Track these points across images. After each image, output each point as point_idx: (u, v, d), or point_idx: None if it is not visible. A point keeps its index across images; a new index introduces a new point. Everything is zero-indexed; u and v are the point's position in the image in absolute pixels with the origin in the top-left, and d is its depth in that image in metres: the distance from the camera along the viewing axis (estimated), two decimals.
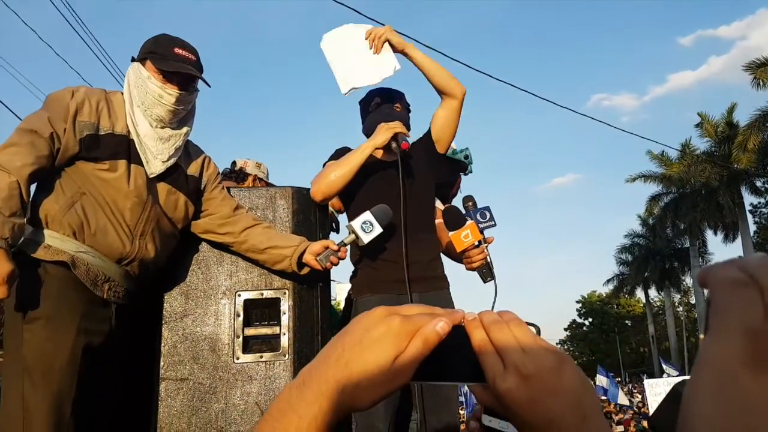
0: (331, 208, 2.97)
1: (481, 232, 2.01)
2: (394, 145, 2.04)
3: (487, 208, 2.03)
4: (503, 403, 0.46)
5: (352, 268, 2.22)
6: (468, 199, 2.08)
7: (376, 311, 0.49)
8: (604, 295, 43.58)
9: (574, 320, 51.57)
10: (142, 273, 1.84)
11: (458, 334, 0.49)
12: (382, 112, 2.24)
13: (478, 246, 2.01)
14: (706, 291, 0.37)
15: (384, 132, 2.04)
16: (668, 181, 25.17)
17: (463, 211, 2.04)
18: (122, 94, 1.85)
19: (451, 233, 2.00)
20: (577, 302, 50.54)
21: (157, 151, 1.81)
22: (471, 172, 2.92)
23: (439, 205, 2.40)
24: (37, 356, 1.57)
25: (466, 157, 2.95)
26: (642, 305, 40.28)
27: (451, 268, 2.35)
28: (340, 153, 2.22)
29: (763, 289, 0.33)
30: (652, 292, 35.25)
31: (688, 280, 31.49)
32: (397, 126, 2.05)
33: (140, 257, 1.79)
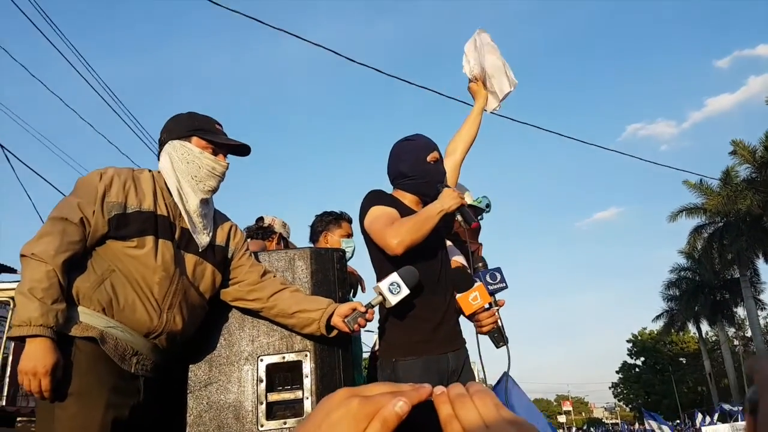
0: (350, 267, 2.99)
1: (492, 294, 1.93)
2: (459, 218, 1.97)
3: (498, 270, 1.95)
4: None
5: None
6: (478, 259, 2.04)
7: (338, 393, 0.50)
8: (655, 332, 41.73)
9: (625, 361, 49.41)
10: (170, 345, 1.88)
11: (427, 409, 0.49)
12: (440, 172, 2.13)
13: (488, 308, 1.93)
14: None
15: (453, 200, 1.94)
16: (710, 212, 24.40)
17: (472, 272, 1.99)
18: (150, 171, 1.95)
19: (458, 296, 1.93)
20: (628, 341, 48.49)
21: (202, 225, 1.94)
22: (483, 217, 2.95)
23: (459, 258, 2.38)
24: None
25: (488, 206, 2.99)
26: (696, 341, 38.33)
27: None
28: (385, 198, 2.12)
29: None
30: (705, 327, 33.63)
31: (742, 312, 29.96)
32: (463, 199, 1.98)
33: (168, 330, 1.84)
